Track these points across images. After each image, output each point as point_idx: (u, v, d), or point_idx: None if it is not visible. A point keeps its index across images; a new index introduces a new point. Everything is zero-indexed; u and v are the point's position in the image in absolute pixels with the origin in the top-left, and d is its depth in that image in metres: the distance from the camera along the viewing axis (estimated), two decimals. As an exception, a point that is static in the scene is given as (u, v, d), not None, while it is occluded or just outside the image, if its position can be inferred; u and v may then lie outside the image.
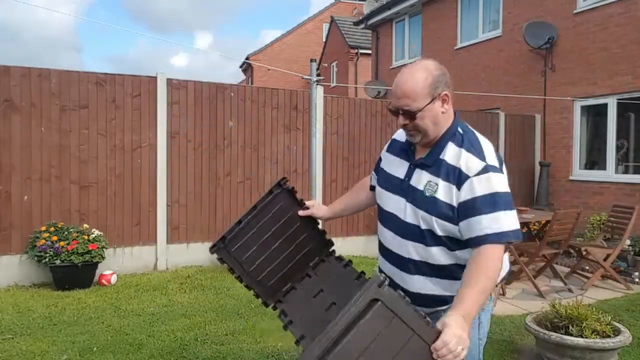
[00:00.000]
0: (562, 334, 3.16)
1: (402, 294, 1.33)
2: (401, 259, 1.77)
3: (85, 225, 5.44)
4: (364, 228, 7.23)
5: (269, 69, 19.77)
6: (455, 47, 10.92)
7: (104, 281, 5.27)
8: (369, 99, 9.85)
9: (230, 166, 6.41)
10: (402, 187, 1.75)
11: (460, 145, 1.66)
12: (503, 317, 4.49)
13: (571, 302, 3.45)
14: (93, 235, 5.28)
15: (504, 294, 5.23)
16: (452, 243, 1.68)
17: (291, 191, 1.98)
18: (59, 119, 5.47)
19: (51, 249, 5.01)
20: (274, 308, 1.97)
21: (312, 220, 1.98)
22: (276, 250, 1.94)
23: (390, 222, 1.80)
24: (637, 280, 5.84)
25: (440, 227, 1.65)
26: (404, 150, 1.81)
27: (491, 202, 1.57)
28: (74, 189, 5.54)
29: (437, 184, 1.64)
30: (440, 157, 1.66)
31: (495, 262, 1.55)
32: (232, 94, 6.43)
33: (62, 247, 5.02)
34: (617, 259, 6.01)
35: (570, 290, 5.41)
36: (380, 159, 1.95)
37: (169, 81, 6.05)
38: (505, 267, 1.85)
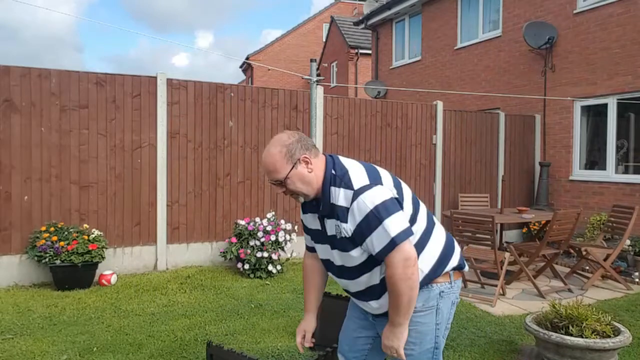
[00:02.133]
0: (562, 334, 3.15)
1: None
2: (358, 294, 1.99)
3: (85, 225, 5.44)
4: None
5: (269, 69, 19.78)
6: (455, 47, 10.92)
7: (104, 281, 5.27)
8: (369, 99, 9.85)
9: (230, 166, 6.41)
10: (323, 237, 1.96)
11: (338, 185, 1.84)
12: (503, 317, 4.49)
13: (571, 302, 3.45)
14: (93, 235, 5.28)
15: (504, 294, 5.23)
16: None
17: None
18: (59, 119, 5.47)
19: (51, 249, 5.01)
20: None
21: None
22: None
23: (330, 267, 2.03)
24: (637, 280, 5.84)
25: (361, 254, 1.86)
26: (312, 206, 1.97)
27: (370, 222, 1.75)
28: (74, 189, 5.54)
29: (338, 226, 1.84)
30: (332, 202, 1.84)
31: (399, 271, 1.74)
32: (232, 94, 6.43)
33: (62, 247, 5.03)
34: (617, 259, 6.02)
35: (570, 290, 5.41)
36: (303, 222, 2.12)
37: (169, 81, 6.05)
38: (435, 251, 1.97)
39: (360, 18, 14.63)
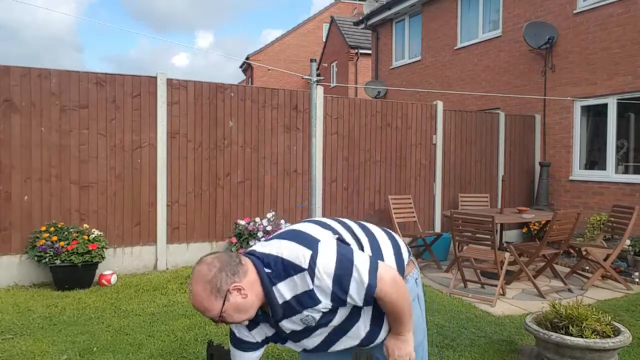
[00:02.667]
0: (562, 334, 3.15)
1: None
2: (360, 344, 1.85)
3: (85, 225, 5.44)
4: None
5: (269, 69, 19.78)
6: (455, 47, 10.92)
7: (104, 281, 5.27)
8: (369, 99, 9.85)
9: (230, 166, 6.41)
10: (294, 336, 1.79)
11: (281, 279, 1.64)
12: (503, 317, 4.49)
13: (571, 302, 3.45)
14: (93, 235, 5.28)
15: (504, 294, 5.23)
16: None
17: None
18: (59, 119, 5.47)
19: (51, 249, 5.01)
20: None
21: None
22: None
23: (318, 349, 1.86)
24: (637, 280, 5.84)
25: (343, 313, 1.73)
26: (257, 316, 1.76)
27: (342, 284, 1.62)
28: (74, 189, 5.54)
29: (308, 315, 1.68)
30: (281, 302, 1.66)
31: (391, 296, 1.67)
32: (232, 94, 6.43)
33: (62, 247, 5.03)
34: (617, 259, 6.02)
35: (570, 290, 5.41)
36: (248, 339, 1.90)
37: (169, 81, 6.05)
38: (399, 242, 1.95)
39: (360, 18, 14.63)
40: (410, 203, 7.33)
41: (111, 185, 5.73)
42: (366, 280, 1.62)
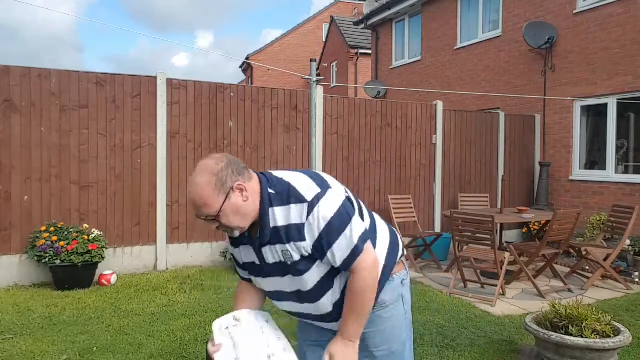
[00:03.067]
0: (562, 334, 3.15)
1: None
2: (324, 317, 1.77)
3: (85, 225, 5.44)
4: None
5: (269, 69, 19.78)
6: (455, 47, 10.92)
7: (104, 281, 5.27)
8: (369, 99, 9.85)
9: (230, 166, 6.39)
10: (267, 269, 1.71)
11: (280, 204, 1.61)
12: (503, 317, 4.49)
13: (571, 302, 3.45)
14: (93, 235, 5.28)
15: (504, 294, 5.23)
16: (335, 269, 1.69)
17: None
18: (59, 119, 5.47)
19: (51, 249, 5.01)
20: None
21: None
22: None
23: (283, 299, 1.78)
24: (637, 280, 5.84)
25: (318, 273, 1.66)
26: (244, 237, 1.72)
27: (331, 232, 1.57)
28: (74, 189, 5.54)
29: (289, 250, 1.61)
30: (272, 225, 1.61)
31: (364, 277, 1.61)
32: (232, 94, 6.43)
33: (62, 247, 5.03)
34: (617, 259, 6.02)
35: (570, 290, 5.41)
36: (234, 256, 1.87)
37: (169, 81, 6.05)
38: (385, 239, 1.85)
39: (360, 18, 14.63)
40: (410, 203, 7.33)
41: (111, 185, 5.73)
42: (355, 241, 1.59)
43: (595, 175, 7.91)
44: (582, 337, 3.09)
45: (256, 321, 1.77)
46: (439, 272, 6.40)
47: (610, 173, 7.68)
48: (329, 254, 1.60)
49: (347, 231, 1.59)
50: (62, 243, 5.05)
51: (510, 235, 8.31)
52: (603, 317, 3.25)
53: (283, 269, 1.67)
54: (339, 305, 1.71)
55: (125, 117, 5.80)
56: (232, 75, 61.53)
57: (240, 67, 28.89)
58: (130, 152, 5.83)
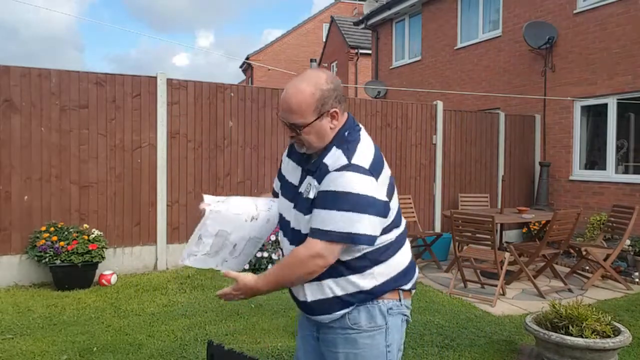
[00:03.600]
0: (562, 334, 3.15)
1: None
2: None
3: (85, 225, 5.44)
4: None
5: (269, 69, 19.78)
6: (455, 47, 10.92)
7: (104, 281, 5.27)
8: (369, 99, 9.85)
9: (230, 166, 6.41)
10: (294, 194, 1.71)
11: (339, 146, 1.61)
12: (503, 317, 4.49)
13: (571, 302, 3.45)
14: (93, 235, 5.28)
15: (504, 294, 5.23)
16: None
17: None
18: (59, 119, 5.47)
19: (51, 249, 5.01)
20: None
21: None
22: None
23: (285, 230, 1.76)
24: (637, 280, 5.84)
25: (306, 222, 1.63)
26: (301, 156, 1.73)
27: (336, 199, 1.52)
28: (74, 189, 5.54)
29: (311, 184, 1.61)
30: (323, 161, 1.61)
31: (303, 256, 1.54)
32: (232, 94, 6.43)
33: (62, 247, 5.03)
34: (617, 259, 6.02)
35: (570, 290, 5.41)
36: (281, 163, 1.89)
37: (169, 81, 6.05)
38: (400, 265, 1.72)
39: (360, 18, 14.62)
40: (410, 203, 7.32)
41: (111, 185, 5.73)
42: (329, 228, 1.51)
43: (595, 175, 7.91)
44: (582, 337, 3.09)
45: (250, 199, 1.87)
46: (439, 272, 6.40)
47: (610, 173, 7.68)
48: (315, 212, 1.56)
49: (336, 213, 1.51)
50: (62, 243, 5.05)
51: (510, 235, 8.31)
52: (603, 317, 3.26)
53: (298, 201, 1.67)
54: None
55: (125, 117, 5.80)
56: (235, 73, 61.54)
57: (240, 67, 28.90)
58: (130, 152, 5.83)
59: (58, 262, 4.98)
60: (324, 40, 23.72)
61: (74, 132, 5.55)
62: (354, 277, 1.63)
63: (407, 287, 1.74)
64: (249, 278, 1.68)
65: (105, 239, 5.46)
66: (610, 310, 4.37)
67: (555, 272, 5.81)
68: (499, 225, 6.10)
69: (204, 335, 3.86)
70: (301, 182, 1.69)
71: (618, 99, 7.53)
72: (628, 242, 6.18)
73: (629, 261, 6.32)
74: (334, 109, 1.60)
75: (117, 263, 5.72)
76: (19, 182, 5.28)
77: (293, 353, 3.52)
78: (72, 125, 5.54)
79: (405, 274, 1.73)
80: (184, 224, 6.13)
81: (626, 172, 7.69)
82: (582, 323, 3.15)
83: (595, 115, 8.13)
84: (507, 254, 5.21)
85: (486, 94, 9.63)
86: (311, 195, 1.59)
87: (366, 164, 1.57)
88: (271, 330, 3.98)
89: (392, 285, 1.68)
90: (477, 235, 5.31)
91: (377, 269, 1.65)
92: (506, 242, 6.75)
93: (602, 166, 7.86)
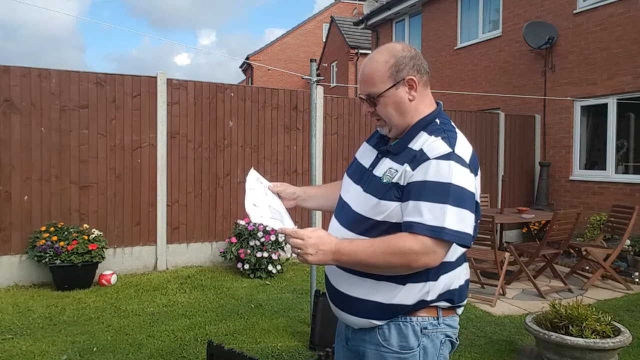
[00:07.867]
0: (562, 334, 3.16)
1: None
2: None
3: (85, 225, 5.44)
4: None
5: (269, 69, 19.78)
6: (455, 47, 10.92)
7: (104, 281, 5.27)
8: (369, 99, 9.83)
9: (230, 166, 6.41)
10: (363, 176, 1.58)
11: (433, 134, 1.47)
12: (503, 317, 4.49)
13: (571, 302, 3.45)
14: (93, 235, 5.28)
15: (504, 294, 5.23)
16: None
17: None
18: (59, 119, 5.47)
19: (51, 249, 5.01)
20: None
21: None
22: None
23: (341, 212, 1.60)
24: (637, 280, 5.84)
25: (383, 211, 1.46)
26: (380, 140, 1.65)
27: (441, 191, 1.37)
28: (74, 189, 5.54)
29: (397, 171, 1.46)
30: (409, 145, 1.48)
31: (405, 246, 1.36)
32: (232, 94, 6.43)
33: (62, 247, 5.02)
34: (617, 259, 6.01)
35: (570, 290, 5.41)
36: (359, 148, 1.80)
37: (169, 81, 6.05)
38: (459, 278, 1.57)
39: (360, 18, 14.63)
40: (410, 203, 7.31)
41: (111, 185, 5.73)
42: (444, 224, 1.35)
43: (595, 175, 7.91)
44: (582, 337, 3.09)
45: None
46: (439, 272, 6.39)
47: (610, 173, 7.68)
48: (412, 204, 1.38)
49: (455, 208, 1.36)
50: (62, 243, 5.05)
51: (510, 235, 8.31)
52: (603, 317, 3.26)
53: (370, 184, 1.52)
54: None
55: (125, 117, 5.80)
56: (237, 72, 61.43)
57: (240, 67, 28.91)
58: (130, 152, 5.83)
59: (58, 262, 4.98)
60: (324, 40, 23.73)
61: (74, 132, 5.55)
62: (407, 285, 1.46)
63: (451, 304, 1.55)
64: (328, 233, 1.46)
65: (105, 239, 5.45)
66: (610, 310, 4.37)
67: (555, 272, 5.81)
68: (499, 225, 6.10)
69: (203, 335, 3.86)
70: (374, 164, 1.56)
71: (618, 99, 7.53)
72: (628, 242, 6.18)
73: (629, 261, 6.32)
74: (409, 77, 1.52)
75: (117, 263, 5.72)
76: (19, 182, 5.28)
77: (293, 353, 3.53)
78: (72, 125, 5.54)
79: (455, 293, 1.56)
80: (184, 224, 6.13)
81: (626, 172, 7.69)
82: (582, 323, 3.15)
83: (595, 115, 8.13)
84: (507, 254, 5.21)
85: (486, 94, 9.63)
86: (395, 180, 1.44)
87: (466, 157, 1.44)
88: (271, 330, 3.98)
89: (425, 301, 1.49)
90: (477, 235, 5.30)
91: (439, 280, 1.48)
92: (506, 242, 6.75)
93: (602, 166, 7.86)
